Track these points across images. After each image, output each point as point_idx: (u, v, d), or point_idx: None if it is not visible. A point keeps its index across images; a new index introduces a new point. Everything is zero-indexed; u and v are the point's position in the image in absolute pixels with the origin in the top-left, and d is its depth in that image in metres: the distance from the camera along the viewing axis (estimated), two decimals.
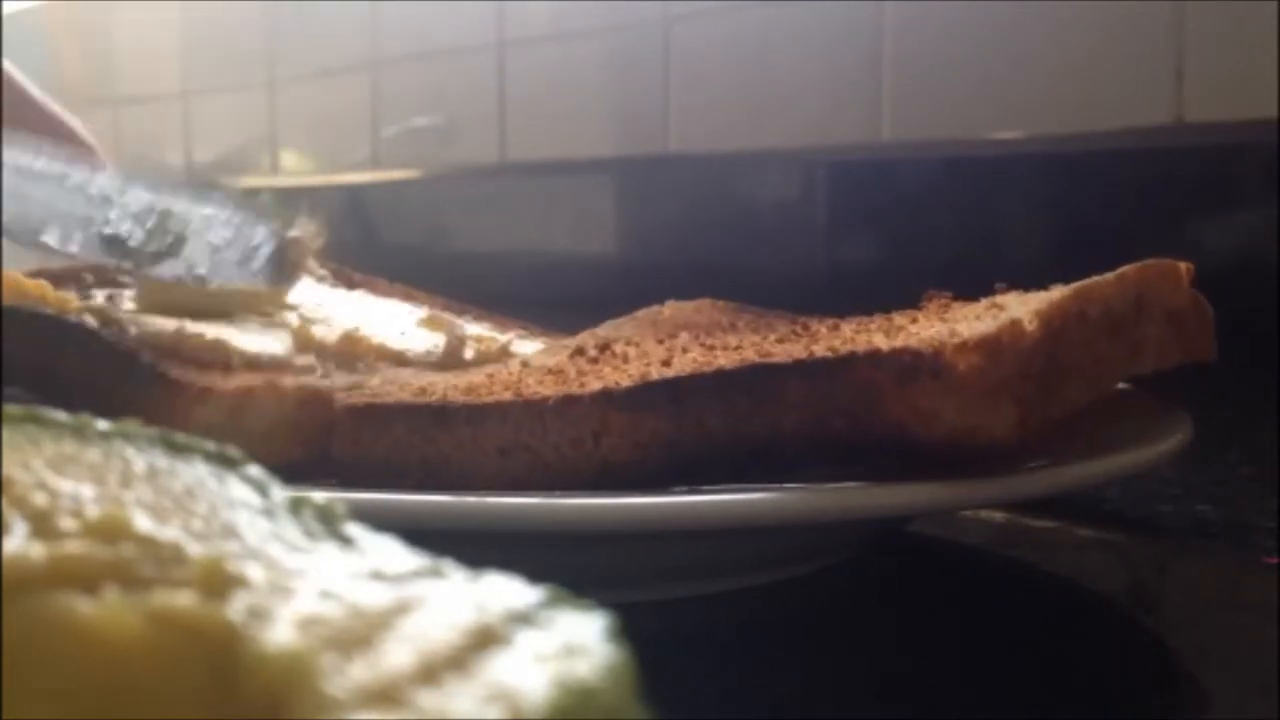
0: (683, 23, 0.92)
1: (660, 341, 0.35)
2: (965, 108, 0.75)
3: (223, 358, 0.34)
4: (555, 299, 0.91)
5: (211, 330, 0.35)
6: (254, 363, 0.34)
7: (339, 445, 0.31)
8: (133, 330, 0.34)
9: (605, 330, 0.41)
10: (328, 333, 0.38)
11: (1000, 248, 0.71)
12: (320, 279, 0.48)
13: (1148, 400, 0.35)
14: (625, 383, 0.29)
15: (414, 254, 1.08)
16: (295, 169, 1.27)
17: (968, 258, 0.70)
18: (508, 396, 0.30)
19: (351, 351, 0.37)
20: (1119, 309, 0.29)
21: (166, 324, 0.35)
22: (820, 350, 0.28)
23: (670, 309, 0.43)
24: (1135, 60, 0.68)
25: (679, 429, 0.28)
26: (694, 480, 0.28)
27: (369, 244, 1.14)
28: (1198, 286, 0.32)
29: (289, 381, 0.32)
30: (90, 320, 0.35)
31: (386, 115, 1.14)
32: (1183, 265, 0.32)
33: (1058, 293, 0.29)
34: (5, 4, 1.54)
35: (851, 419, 0.27)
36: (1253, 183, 0.63)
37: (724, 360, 0.29)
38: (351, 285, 0.49)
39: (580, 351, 0.34)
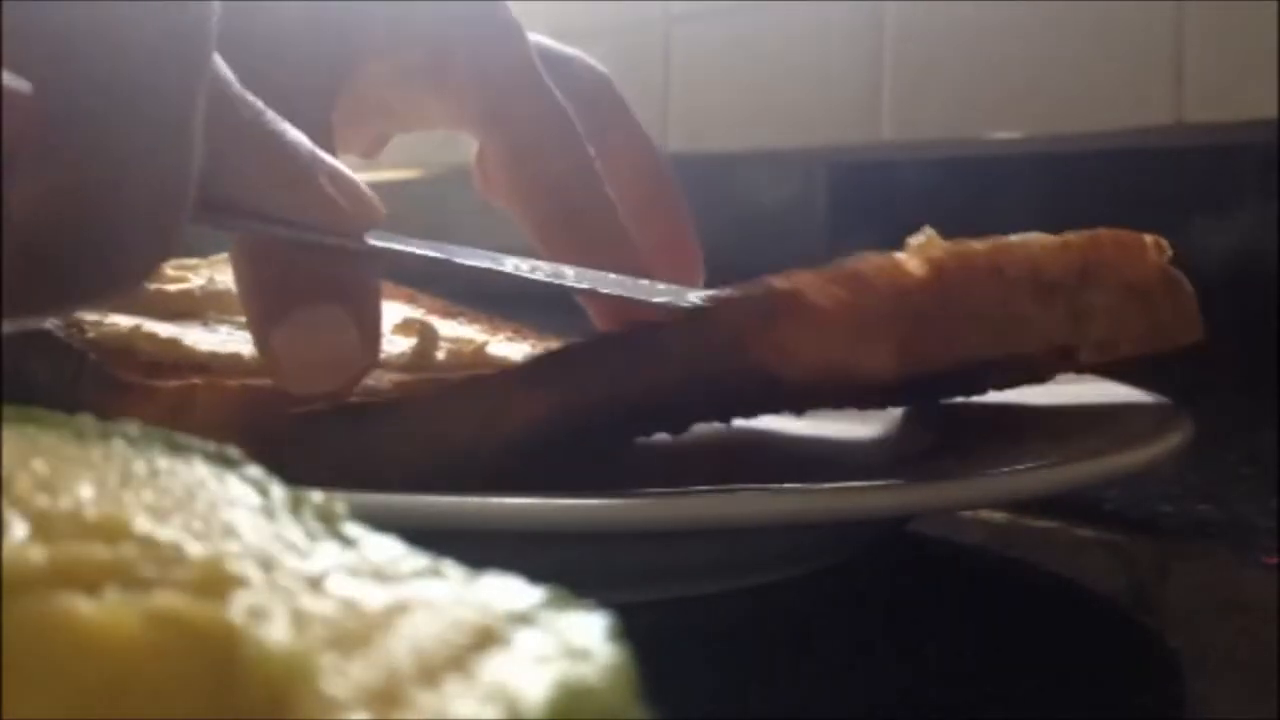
0: (683, 23, 0.92)
1: None
2: (965, 108, 0.75)
3: (173, 357, 0.33)
4: (554, 299, 0.91)
5: (168, 330, 0.35)
6: (206, 363, 0.33)
7: (289, 454, 0.31)
8: (91, 331, 0.34)
9: None
10: None
11: None
12: None
13: (1148, 400, 0.35)
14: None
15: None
16: None
17: None
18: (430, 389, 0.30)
19: None
20: (1054, 273, 0.29)
21: (124, 323, 0.35)
22: None
23: None
24: (1135, 60, 0.68)
25: (569, 399, 0.28)
26: (587, 450, 0.28)
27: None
28: (1193, 278, 0.31)
29: (233, 382, 0.32)
30: (52, 322, 0.35)
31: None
32: (1149, 238, 0.31)
33: (972, 244, 0.29)
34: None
35: (720, 365, 0.27)
36: (1253, 183, 0.63)
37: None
38: None
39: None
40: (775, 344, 0.26)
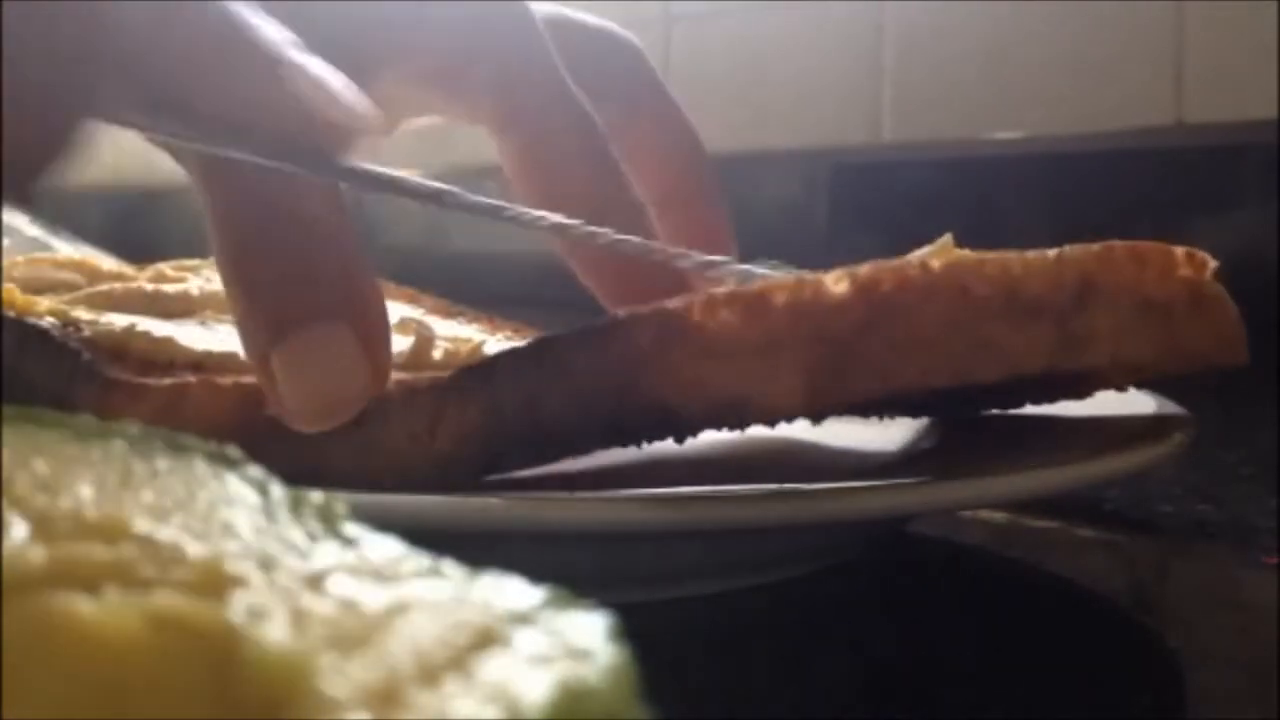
0: (683, 23, 0.92)
1: None
2: (965, 108, 0.75)
3: (167, 356, 0.33)
4: (555, 299, 0.91)
5: (163, 329, 0.35)
6: (200, 362, 0.33)
7: (263, 456, 0.30)
8: (87, 331, 0.34)
9: None
10: None
11: (1000, 248, 0.71)
12: None
13: (1148, 400, 0.35)
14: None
15: (414, 254, 1.08)
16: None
17: None
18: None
19: None
20: (1037, 292, 0.26)
21: (119, 323, 0.35)
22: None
23: None
24: (1135, 60, 0.68)
25: (488, 414, 0.27)
26: (504, 470, 0.27)
27: (369, 244, 1.14)
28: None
29: (226, 380, 0.32)
30: (49, 322, 0.35)
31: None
32: (1181, 251, 0.28)
33: (937, 259, 0.26)
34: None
35: (618, 395, 0.25)
36: (1253, 183, 0.63)
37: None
38: None
39: None
40: (667, 371, 0.24)
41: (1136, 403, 0.34)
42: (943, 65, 0.76)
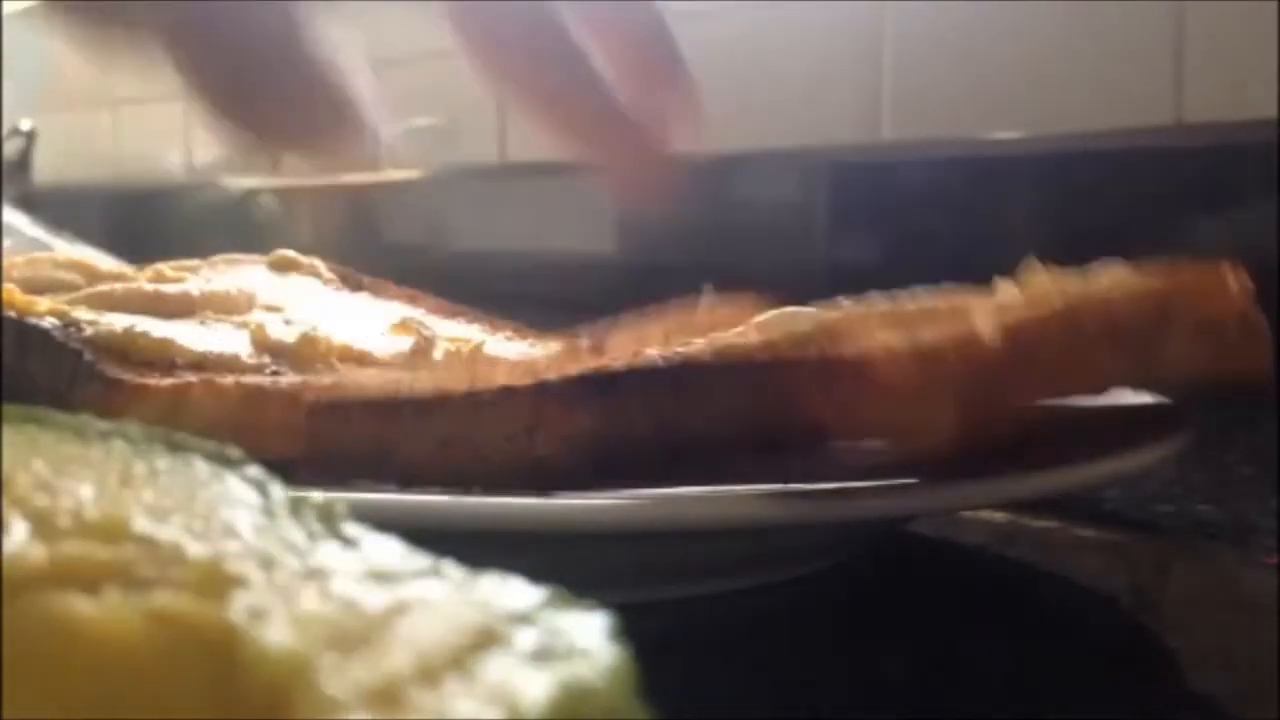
0: (683, 23, 0.91)
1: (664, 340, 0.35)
2: (965, 108, 0.75)
3: (168, 356, 0.34)
4: (555, 299, 0.91)
5: (161, 329, 0.35)
6: (200, 362, 0.34)
7: (305, 443, 0.30)
8: (88, 331, 0.34)
9: (625, 329, 0.40)
10: (288, 333, 0.38)
11: (1001, 248, 0.70)
12: (326, 281, 0.48)
13: (1148, 400, 0.35)
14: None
15: (414, 254, 1.08)
16: (295, 169, 1.27)
17: (968, 258, 0.70)
18: (459, 390, 0.29)
19: (310, 352, 0.37)
20: (1134, 325, 0.28)
21: (119, 323, 0.35)
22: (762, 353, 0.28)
23: (708, 307, 0.43)
24: (1135, 60, 0.68)
25: (606, 425, 0.28)
26: (619, 479, 0.27)
27: (370, 245, 1.14)
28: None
29: (228, 380, 0.32)
30: (50, 322, 0.35)
31: (386, 115, 1.13)
32: (1230, 274, 0.29)
33: (1047, 301, 0.28)
34: (5, 4, 1.54)
35: (775, 422, 0.27)
36: (1253, 183, 0.63)
37: (660, 358, 0.29)
38: (358, 288, 0.49)
39: (573, 349, 0.34)
40: (832, 406, 0.26)
41: (1136, 402, 0.34)
42: (943, 65, 0.76)
